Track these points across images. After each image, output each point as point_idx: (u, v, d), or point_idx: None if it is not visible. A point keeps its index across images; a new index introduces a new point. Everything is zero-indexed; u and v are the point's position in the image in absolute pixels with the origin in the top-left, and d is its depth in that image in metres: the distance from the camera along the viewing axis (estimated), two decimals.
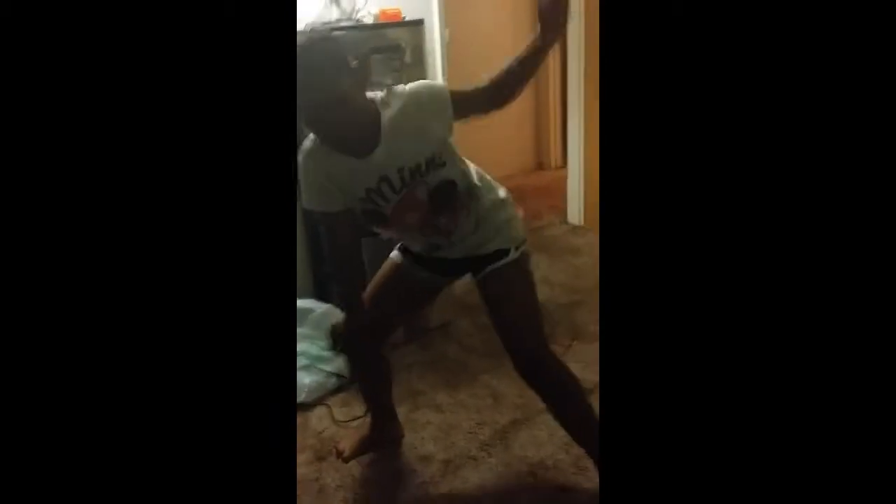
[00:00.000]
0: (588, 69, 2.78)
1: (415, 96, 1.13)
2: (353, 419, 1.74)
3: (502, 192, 1.34)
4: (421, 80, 1.18)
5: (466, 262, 1.33)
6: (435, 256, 1.35)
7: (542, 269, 2.59)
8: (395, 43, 2.01)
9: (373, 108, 1.13)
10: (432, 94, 1.14)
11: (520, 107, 3.73)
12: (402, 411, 1.68)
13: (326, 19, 1.93)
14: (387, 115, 1.12)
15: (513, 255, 1.29)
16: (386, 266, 1.42)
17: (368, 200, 1.19)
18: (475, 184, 1.28)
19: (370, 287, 1.40)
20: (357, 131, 1.12)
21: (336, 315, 2.01)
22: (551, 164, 4.06)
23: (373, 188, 1.18)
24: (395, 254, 1.42)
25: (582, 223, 3.06)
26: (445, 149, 1.18)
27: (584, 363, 1.72)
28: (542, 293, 2.40)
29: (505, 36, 3.44)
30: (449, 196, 1.22)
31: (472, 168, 1.30)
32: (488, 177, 1.34)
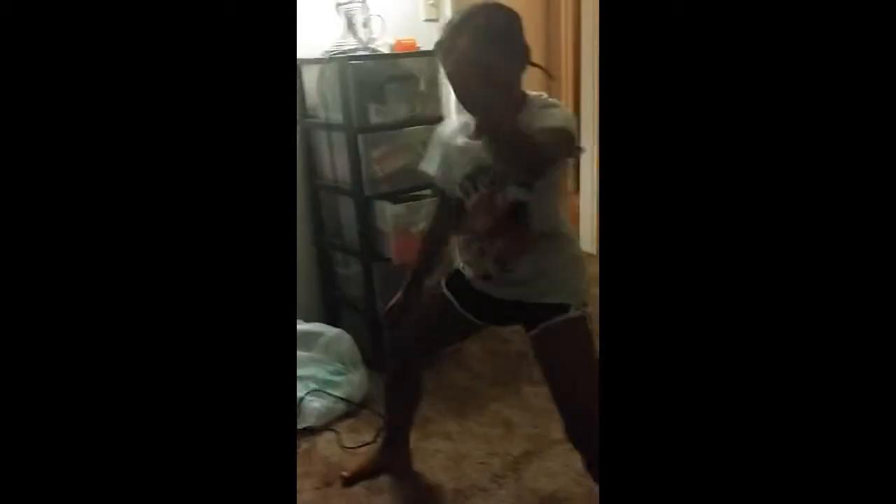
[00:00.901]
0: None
1: (560, 117, 1.10)
2: (362, 445, 1.72)
3: (578, 251, 1.30)
4: (569, 113, 1.14)
5: (513, 308, 1.27)
6: (480, 290, 1.30)
7: None
8: (409, 72, 2.03)
9: (518, 99, 1.13)
10: (566, 131, 1.09)
11: None
12: (412, 439, 1.66)
13: (344, 47, 1.96)
14: (525, 114, 1.11)
15: (573, 312, 1.21)
16: (430, 296, 1.40)
17: (461, 187, 1.23)
18: (560, 231, 1.23)
19: (416, 312, 1.41)
20: (490, 107, 1.08)
21: (346, 339, 2.01)
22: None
23: (468, 175, 1.20)
24: (441, 285, 1.38)
25: (595, 251, 3.04)
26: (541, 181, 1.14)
27: None
28: None
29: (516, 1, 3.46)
30: (516, 218, 1.18)
31: (564, 217, 1.26)
32: (575, 233, 1.32)
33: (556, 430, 1.59)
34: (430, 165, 1.31)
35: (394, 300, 1.43)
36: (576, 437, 1.22)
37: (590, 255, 3.07)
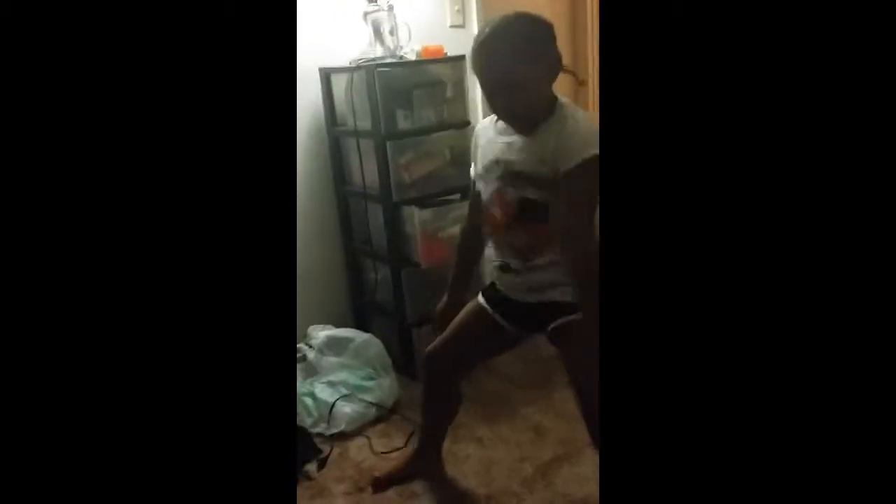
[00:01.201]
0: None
1: (585, 127, 1.10)
2: (393, 450, 1.73)
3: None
4: (595, 126, 1.13)
5: (532, 310, 1.27)
6: (502, 291, 1.31)
7: None
8: (437, 78, 2.05)
9: (548, 103, 1.14)
10: (588, 143, 1.09)
11: None
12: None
13: (371, 56, 1.98)
14: (556, 119, 1.13)
15: None
16: (469, 306, 1.41)
17: (481, 178, 1.25)
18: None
19: (453, 323, 1.41)
20: (522, 115, 1.14)
21: (376, 344, 2.02)
22: None
23: (486, 166, 1.22)
24: (478, 296, 1.40)
25: None
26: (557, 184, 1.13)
27: None
28: None
29: (541, 6, 3.45)
30: (531, 216, 1.18)
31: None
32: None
33: (587, 435, 1.58)
34: (472, 170, 1.34)
35: (441, 303, 1.45)
36: (596, 433, 1.22)
37: None
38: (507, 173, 1.18)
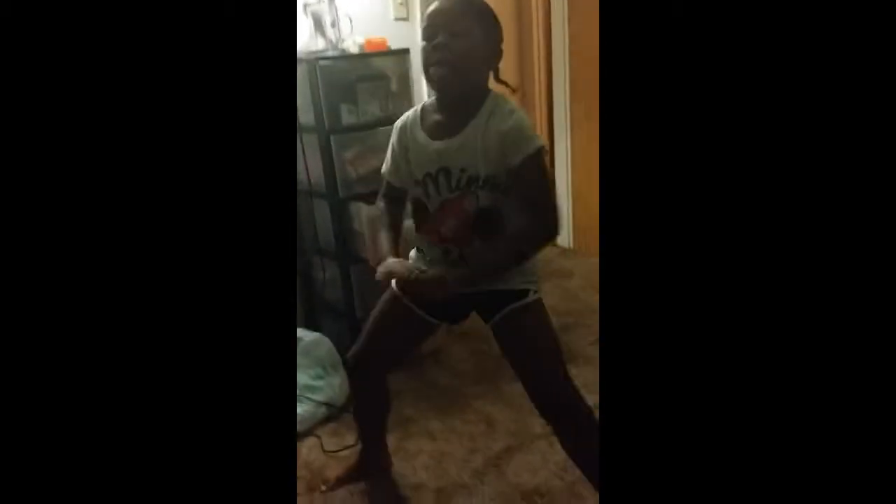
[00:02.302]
0: (573, 93, 2.81)
1: (521, 122, 1.10)
2: (343, 448, 1.71)
3: None
4: (528, 121, 1.13)
5: (470, 300, 1.23)
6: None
7: None
8: (380, 72, 2.02)
9: (483, 92, 1.13)
10: (530, 136, 1.10)
11: None
12: (392, 439, 1.65)
13: (312, 49, 1.95)
14: (488, 109, 1.11)
15: (532, 296, 1.20)
16: (385, 299, 1.35)
17: (421, 186, 1.19)
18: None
19: (370, 319, 1.36)
20: (460, 94, 1.12)
21: (325, 343, 1.99)
22: None
23: (431, 174, 1.16)
24: (392, 287, 1.32)
25: (571, 246, 3.07)
26: (510, 184, 1.13)
27: (579, 386, 1.71)
28: None
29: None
30: (492, 224, 1.16)
31: None
32: None
33: (537, 424, 1.60)
34: (389, 169, 1.28)
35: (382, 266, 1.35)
36: (546, 415, 1.22)
37: (565, 250, 3.09)
38: (465, 182, 1.14)
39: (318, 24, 1.95)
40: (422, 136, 1.18)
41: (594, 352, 2.08)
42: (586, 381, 1.86)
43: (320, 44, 1.95)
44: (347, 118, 1.95)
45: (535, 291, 1.22)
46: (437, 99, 1.19)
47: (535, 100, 3.82)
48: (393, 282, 1.24)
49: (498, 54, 1.16)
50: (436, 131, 1.16)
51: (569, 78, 2.80)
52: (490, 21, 1.12)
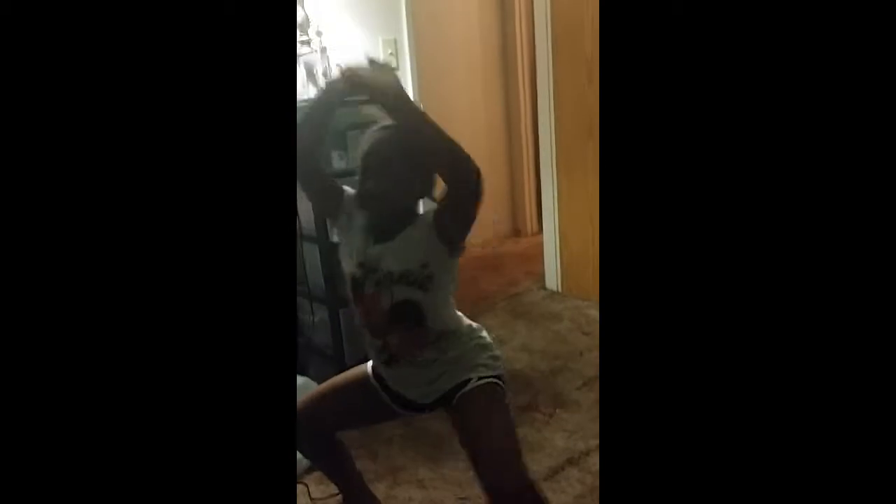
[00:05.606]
0: (559, 138, 2.88)
1: (427, 228, 1.15)
2: (330, 496, 1.67)
3: (482, 340, 1.28)
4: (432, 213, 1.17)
5: (427, 404, 1.27)
6: (390, 386, 1.29)
7: (521, 335, 2.59)
8: (371, 119, 2.01)
9: (412, 217, 1.18)
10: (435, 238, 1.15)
11: (494, 175, 3.83)
12: (382, 487, 1.63)
13: (304, 97, 1.99)
14: (415, 226, 1.17)
15: (473, 382, 1.20)
16: (355, 371, 1.36)
17: (351, 278, 1.22)
18: (459, 328, 1.24)
19: (334, 380, 1.37)
20: (389, 221, 1.19)
21: (313, 387, 1.96)
22: (527, 230, 4.13)
23: (362, 265, 1.20)
24: (368, 371, 1.34)
25: (559, 289, 3.08)
26: (433, 273, 1.16)
27: (567, 432, 1.70)
28: (522, 360, 2.39)
29: (474, 52, 3.61)
30: (406, 317, 1.18)
31: (456, 316, 1.26)
32: (475, 326, 1.30)
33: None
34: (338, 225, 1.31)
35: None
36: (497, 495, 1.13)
37: (553, 294, 3.10)
38: (385, 280, 1.17)
39: (310, 74, 2.00)
40: (360, 229, 1.23)
41: (581, 396, 2.07)
42: (575, 426, 1.86)
43: (312, 92, 2.00)
44: (338, 164, 1.98)
45: (483, 376, 1.21)
46: (370, 219, 1.23)
47: (522, 143, 3.91)
48: (369, 365, 1.31)
49: (428, 187, 1.20)
50: (374, 237, 1.21)
51: (554, 125, 2.87)
52: (418, 160, 1.16)
